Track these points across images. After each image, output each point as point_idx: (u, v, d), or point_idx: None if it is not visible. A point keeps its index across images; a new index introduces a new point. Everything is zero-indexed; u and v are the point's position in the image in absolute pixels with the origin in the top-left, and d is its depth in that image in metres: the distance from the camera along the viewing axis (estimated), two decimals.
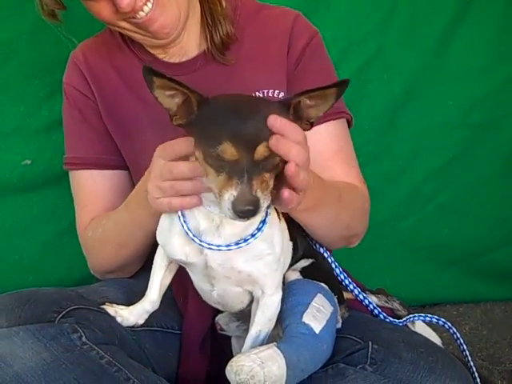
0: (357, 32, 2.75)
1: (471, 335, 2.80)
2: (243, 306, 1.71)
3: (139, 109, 2.00)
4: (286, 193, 1.41)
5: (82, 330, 1.59)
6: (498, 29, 2.83)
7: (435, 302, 3.04)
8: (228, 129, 1.36)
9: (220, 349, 1.91)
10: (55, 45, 2.48)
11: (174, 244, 1.61)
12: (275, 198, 1.43)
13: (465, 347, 1.94)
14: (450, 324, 1.96)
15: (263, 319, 1.63)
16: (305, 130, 1.45)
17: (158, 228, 1.67)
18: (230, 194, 1.33)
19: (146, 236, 1.86)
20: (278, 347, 1.50)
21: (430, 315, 1.98)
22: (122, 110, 2.03)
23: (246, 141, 1.35)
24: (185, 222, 1.56)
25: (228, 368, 1.47)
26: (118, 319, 1.75)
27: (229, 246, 1.53)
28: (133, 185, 2.01)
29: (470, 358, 1.92)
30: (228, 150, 1.34)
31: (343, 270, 1.91)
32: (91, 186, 2.08)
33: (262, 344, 1.60)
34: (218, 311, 1.82)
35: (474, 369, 1.89)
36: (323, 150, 1.89)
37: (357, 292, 1.91)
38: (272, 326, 1.64)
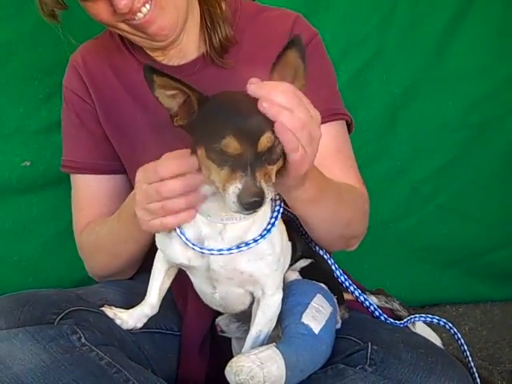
0: (356, 33, 2.75)
1: (471, 335, 2.80)
2: (244, 307, 1.71)
3: (138, 112, 2.00)
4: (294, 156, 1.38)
5: (82, 332, 1.59)
6: (498, 29, 2.84)
7: (435, 302, 3.04)
8: (230, 123, 1.36)
9: (219, 350, 1.90)
10: (55, 46, 2.49)
11: (175, 249, 1.61)
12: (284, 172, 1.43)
13: (465, 347, 1.94)
14: (450, 324, 1.96)
15: (264, 319, 1.63)
16: None
17: (156, 235, 1.67)
18: (235, 187, 1.33)
19: (139, 247, 1.87)
20: (278, 348, 1.50)
21: (430, 316, 1.98)
22: (120, 113, 2.03)
23: (248, 134, 1.35)
24: (182, 232, 1.56)
25: (227, 369, 1.47)
26: (117, 322, 1.75)
27: (230, 249, 1.53)
28: (130, 188, 2.01)
29: (470, 359, 1.92)
30: (231, 144, 1.34)
31: (343, 272, 1.91)
32: (88, 190, 2.09)
33: (262, 344, 1.61)
34: (218, 313, 1.82)
35: (475, 369, 1.89)
36: (321, 151, 1.87)
37: (357, 293, 1.90)
38: (272, 326, 1.64)
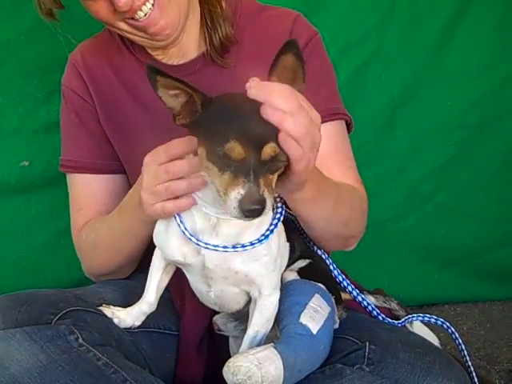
0: (355, 32, 2.75)
1: (469, 335, 2.80)
2: (240, 306, 1.72)
3: (138, 111, 2.00)
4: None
5: (79, 332, 1.59)
6: (497, 28, 2.83)
7: (433, 302, 3.04)
8: (235, 127, 1.36)
9: (217, 350, 1.91)
10: (53, 45, 2.48)
11: (171, 245, 1.61)
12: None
13: (463, 347, 1.94)
14: (448, 324, 1.96)
15: (261, 320, 1.63)
16: None
17: (154, 230, 1.68)
18: (237, 193, 1.33)
19: (139, 243, 1.87)
20: (276, 348, 1.50)
21: (428, 315, 1.98)
22: (120, 112, 2.02)
23: (253, 140, 1.34)
24: (181, 221, 1.57)
25: (225, 369, 1.47)
26: (115, 321, 1.76)
27: (226, 247, 1.54)
28: (129, 188, 2.01)
29: (468, 358, 1.92)
30: (235, 149, 1.33)
31: (341, 272, 1.91)
32: (86, 190, 2.09)
33: (259, 344, 1.61)
34: (216, 312, 1.82)
35: (472, 368, 1.89)
36: (320, 151, 1.88)
37: (355, 293, 1.90)
38: (270, 327, 1.64)
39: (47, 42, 2.52)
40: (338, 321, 1.75)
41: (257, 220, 1.48)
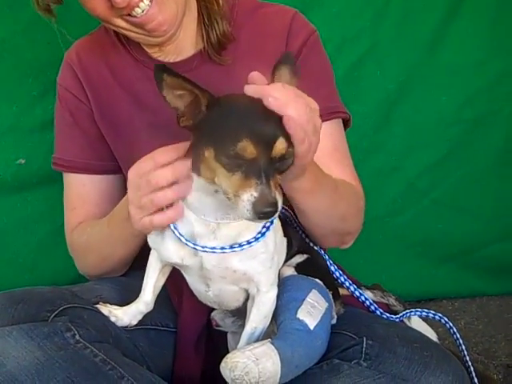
0: (350, 29, 2.75)
1: (467, 330, 2.80)
2: (239, 304, 1.71)
3: (133, 110, 1.99)
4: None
5: (76, 329, 1.59)
6: (491, 24, 2.83)
7: (431, 297, 3.04)
8: (246, 127, 1.35)
9: (215, 346, 1.91)
10: (49, 44, 2.49)
11: (168, 248, 1.61)
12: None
13: (461, 341, 1.95)
14: (446, 319, 1.97)
15: (259, 316, 1.63)
16: None
17: (149, 235, 1.66)
18: (250, 195, 1.32)
19: (129, 251, 1.89)
20: (273, 343, 1.50)
21: (426, 310, 1.98)
22: (115, 111, 2.02)
23: (264, 139, 1.34)
24: (175, 228, 1.56)
25: (222, 365, 1.47)
26: (112, 319, 1.76)
27: (223, 248, 1.54)
28: (123, 188, 2.02)
29: (465, 353, 1.92)
30: (248, 148, 1.33)
31: (338, 267, 1.91)
32: (80, 190, 2.09)
33: (257, 340, 1.61)
34: (213, 309, 1.82)
35: (470, 363, 1.89)
36: (319, 148, 1.89)
37: (353, 289, 1.91)
38: (267, 323, 1.65)
39: (42, 40, 2.52)
40: (336, 316, 1.76)
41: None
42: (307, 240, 1.88)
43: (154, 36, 1.87)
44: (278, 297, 1.64)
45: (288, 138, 1.38)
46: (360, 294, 1.91)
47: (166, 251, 1.62)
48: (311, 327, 1.57)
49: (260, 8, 2.04)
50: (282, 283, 1.68)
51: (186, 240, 1.54)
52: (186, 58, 1.98)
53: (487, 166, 2.94)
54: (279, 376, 1.47)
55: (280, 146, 1.35)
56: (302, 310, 1.59)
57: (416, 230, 2.97)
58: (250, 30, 1.98)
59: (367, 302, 1.90)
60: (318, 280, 1.72)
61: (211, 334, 1.91)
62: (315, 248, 1.88)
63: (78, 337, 1.58)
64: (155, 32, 1.85)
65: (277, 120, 1.37)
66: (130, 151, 1.93)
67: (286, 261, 1.76)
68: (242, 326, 1.67)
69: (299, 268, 1.75)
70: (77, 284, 1.96)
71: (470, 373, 1.86)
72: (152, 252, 1.73)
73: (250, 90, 1.37)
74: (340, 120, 2.04)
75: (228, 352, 1.52)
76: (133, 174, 1.57)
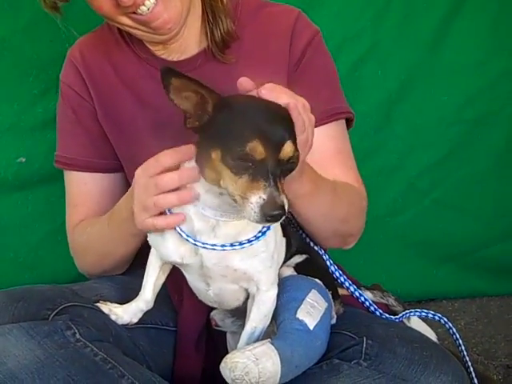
0: (351, 28, 2.75)
1: (467, 330, 2.80)
2: (239, 303, 1.72)
3: (136, 107, 1.99)
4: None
5: (76, 327, 1.59)
6: (493, 23, 2.84)
7: (431, 297, 3.05)
8: (257, 128, 1.35)
9: (215, 346, 1.91)
10: (50, 42, 2.49)
11: (168, 247, 1.61)
12: None
13: (460, 342, 1.95)
14: (445, 319, 1.97)
15: (259, 315, 1.63)
16: None
17: (148, 233, 1.67)
18: (259, 197, 1.32)
19: (129, 250, 1.89)
20: (273, 343, 1.50)
21: (425, 310, 1.99)
22: (118, 109, 2.01)
23: (273, 141, 1.34)
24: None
25: (222, 365, 1.47)
26: (113, 317, 1.76)
27: (224, 246, 1.54)
28: (124, 186, 2.02)
29: (465, 353, 1.93)
30: (257, 148, 1.33)
31: (338, 267, 1.91)
32: (81, 187, 2.09)
33: (257, 340, 1.61)
34: (213, 308, 1.82)
35: (470, 363, 1.89)
36: (322, 150, 1.89)
37: (352, 289, 1.91)
38: (267, 322, 1.64)
39: (43, 38, 2.52)
40: (335, 316, 1.76)
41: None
42: (307, 240, 1.88)
43: (159, 34, 1.87)
44: (278, 297, 1.64)
45: (295, 141, 1.38)
46: (360, 294, 1.91)
47: (165, 250, 1.62)
48: (311, 327, 1.57)
49: (264, 7, 2.04)
50: (282, 283, 1.68)
51: (187, 235, 1.54)
52: (190, 57, 1.97)
53: (488, 166, 2.94)
54: (279, 376, 1.47)
55: (288, 148, 1.35)
56: (302, 309, 1.59)
57: (416, 230, 2.97)
58: (254, 30, 1.98)
59: (367, 303, 1.90)
60: (317, 280, 1.72)
61: (211, 333, 1.91)
62: (315, 248, 1.88)
63: (78, 335, 1.58)
64: (160, 30, 1.84)
65: (285, 123, 1.38)
66: (133, 149, 1.95)
67: (285, 261, 1.76)
68: (242, 326, 1.67)
69: (299, 268, 1.75)
70: (77, 283, 1.96)
71: (469, 373, 1.86)
72: (152, 250, 1.73)
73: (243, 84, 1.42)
74: (343, 121, 2.04)
75: (228, 352, 1.52)
76: (141, 174, 1.58)
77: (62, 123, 2.12)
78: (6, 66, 2.57)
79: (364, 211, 1.97)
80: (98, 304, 1.77)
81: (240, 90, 1.43)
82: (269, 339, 1.53)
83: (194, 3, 1.93)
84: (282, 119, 1.38)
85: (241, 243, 1.53)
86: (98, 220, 1.94)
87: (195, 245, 1.54)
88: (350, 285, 1.90)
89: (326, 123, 1.95)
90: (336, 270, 1.89)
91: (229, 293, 1.67)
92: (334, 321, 1.74)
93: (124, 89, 2.00)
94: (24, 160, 2.60)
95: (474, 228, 2.98)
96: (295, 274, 1.73)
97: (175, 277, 1.77)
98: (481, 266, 3.02)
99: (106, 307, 1.77)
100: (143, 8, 1.78)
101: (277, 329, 1.59)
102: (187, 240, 1.54)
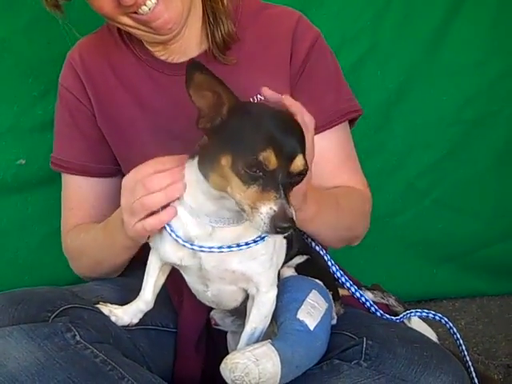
0: (350, 29, 2.75)
1: (467, 330, 2.81)
2: (237, 304, 1.72)
3: (136, 110, 1.99)
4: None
5: (76, 329, 1.59)
6: (492, 24, 2.84)
7: (431, 297, 3.05)
8: (271, 137, 1.34)
9: (215, 347, 1.91)
10: (49, 44, 2.49)
11: (166, 249, 1.61)
12: None
13: (461, 342, 1.95)
14: (446, 319, 1.97)
15: (259, 316, 1.63)
16: None
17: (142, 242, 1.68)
18: (269, 208, 1.31)
19: (121, 261, 1.91)
20: (273, 344, 1.50)
21: (426, 311, 1.98)
22: (118, 111, 2.01)
23: (286, 152, 1.34)
24: (172, 231, 1.56)
25: (222, 365, 1.47)
26: (113, 318, 1.76)
27: (221, 247, 1.53)
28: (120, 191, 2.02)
29: (466, 353, 1.92)
30: (271, 158, 1.32)
31: (338, 267, 1.91)
32: (77, 191, 2.09)
33: (257, 341, 1.61)
34: (214, 308, 1.82)
35: (470, 363, 1.89)
36: (330, 158, 1.92)
37: (353, 289, 1.91)
38: (267, 323, 1.64)
39: (42, 40, 2.52)
40: (336, 317, 1.76)
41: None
42: (309, 240, 1.89)
43: (160, 34, 1.86)
44: (278, 297, 1.64)
45: (305, 155, 1.38)
46: (361, 294, 1.91)
47: (164, 252, 1.62)
48: (311, 328, 1.57)
49: (264, 9, 2.04)
50: (282, 284, 1.68)
51: (184, 241, 1.54)
52: (191, 59, 1.97)
53: (487, 166, 2.95)
54: (279, 377, 1.47)
55: (299, 162, 1.35)
56: (302, 310, 1.59)
57: (416, 230, 2.97)
58: (255, 32, 1.98)
59: (367, 304, 1.90)
60: (318, 280, 1.72)
61: (211, 333, 1.91)
62: (316, 249, 1.88)
63: (78, 337, 1.57)
64: (161, 30, 1.84)
65: (298, 136, 1.37)
66: (132, 150, 1.95)
67: (286, 262, 1.76)
68: (242, 325, 1.67)
69: (299, 269, 1.75)
70: (77, 284, 1.96)
71: (470, 373, 1.86)
72: (152, 251, 1.73)
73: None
74: (347, 123, 2.04)
75: (228, 352, 1.52)
76: (128, 179, 1.59)
77: (60, 126, 2.12)
78: (6, 68, 2.57)
79: (368, 214, 2.00)
80: (98, 305, 1.76)
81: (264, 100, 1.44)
82: (269, 340, 1.53)
83: (195, 4, 1.92)
84: (295, 131, 1.38)
85: (238, 245, 1.53)
86: (94, 227, 1.94)
87: (192, 249, 1.54)
88: (351, 285, 1.90)
89: (335, 125, 1.96)
90: (337, 270, 1.89)
91: (227, 294, 1.67)
92: (334, 321, 1.74)
93: (123, 90, 2.00)
94: (23, 162, 2.60)
95: (473, 228, 2.98)
96: (296, 274, 1.73)
97: (175, 278, 1.77)
98: (481, 265, 3.02)
99: (106, 308, 1.77)
100: (144, 8, 1.77)
101: (277, 329, 1.59)
102: (184, 245, 1.54)
